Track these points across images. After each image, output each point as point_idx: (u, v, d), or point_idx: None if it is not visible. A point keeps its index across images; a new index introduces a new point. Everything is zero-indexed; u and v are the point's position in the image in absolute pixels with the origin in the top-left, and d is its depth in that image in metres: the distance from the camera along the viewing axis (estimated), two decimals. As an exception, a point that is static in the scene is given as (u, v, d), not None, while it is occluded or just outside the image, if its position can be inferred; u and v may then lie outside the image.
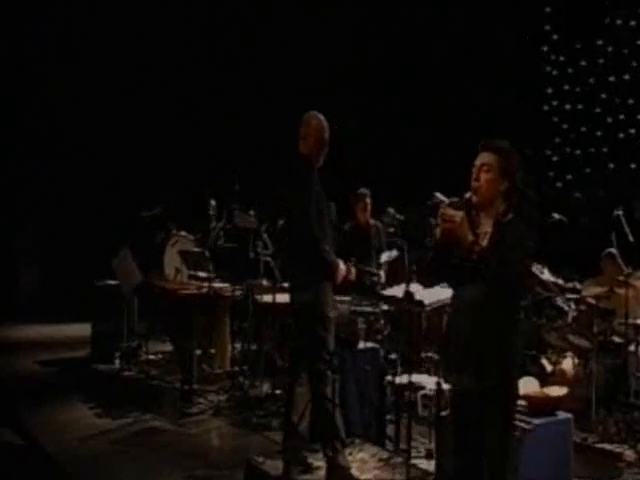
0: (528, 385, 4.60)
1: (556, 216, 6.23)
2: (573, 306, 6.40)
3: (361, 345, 5.72)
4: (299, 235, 4.78)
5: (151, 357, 7.89)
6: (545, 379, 5.62)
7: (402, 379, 5.13)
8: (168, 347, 8.08)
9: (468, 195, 3.43)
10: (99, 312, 8.33)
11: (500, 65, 11.52)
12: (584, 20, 11.37)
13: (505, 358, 3.35)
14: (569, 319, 6.36)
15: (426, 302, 5.11)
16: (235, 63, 12.42)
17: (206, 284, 6.82)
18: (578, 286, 6.39)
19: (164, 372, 7.68)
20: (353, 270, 7.00)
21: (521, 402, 4.34)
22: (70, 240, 12.10)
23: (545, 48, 12.13)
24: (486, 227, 3.43)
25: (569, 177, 11.41)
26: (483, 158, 3.45)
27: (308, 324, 4.75)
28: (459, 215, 3.34)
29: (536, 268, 6.16)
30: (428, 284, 4.95)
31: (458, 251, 3.38)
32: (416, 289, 5.18)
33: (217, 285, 7.00)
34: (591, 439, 5.69)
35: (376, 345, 5.94)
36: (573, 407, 5.59)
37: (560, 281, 6.34)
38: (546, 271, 6.20)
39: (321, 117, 4.98)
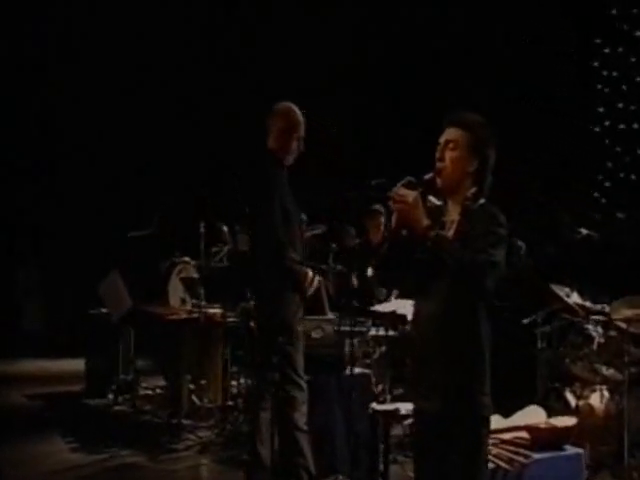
0: (533, 415, 3.75)
1: (584, 231, 5.34)
2: (600, 331, 5.28)
3: (348, 370, 4.68)
4: (262, 239, 3.93)
5: (148, 392, 6.89)
6: (569, 416, 4.56)
7: (388, 407, 4.14)
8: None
9: (428, 176, 2.69)
10: (93, 343, 7.27)
11: (501, 65, 10.43)
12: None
13: (475, 367, 2.63)
14: (595, 346, 5.23)
15: (410, 317, 4.22)
16: (235, 63, 11.49)
17: (197, 309, 5.73)
18: (607, 309, 5.26)
19: (158, 407, 6.62)
20: (356, 281, 6.01)
21: (523, 434, 3.49)
22: (71, 261, 11.19)
23: (596, 64, 10.21)
24: (453, 215, 2.74)
25: (622, 202, 9.65)
26: (449, 134, 2.76)
27: (273, 339, 3.85)
28: (412, 195, 2.59)
29: (563, 292, 5.10)
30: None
31: (413, 237, 2.57)
32: (403, 304, 4.49)
33: (210, 310, 5.90)
34: (624, 486, 4.65)
35: (366, 370, 4.98)
36: (603, 449, 4.69)
37: (588, 303, 5.23)
38: (575, 295, 5.12)
39: (295, 109, 4.03)
